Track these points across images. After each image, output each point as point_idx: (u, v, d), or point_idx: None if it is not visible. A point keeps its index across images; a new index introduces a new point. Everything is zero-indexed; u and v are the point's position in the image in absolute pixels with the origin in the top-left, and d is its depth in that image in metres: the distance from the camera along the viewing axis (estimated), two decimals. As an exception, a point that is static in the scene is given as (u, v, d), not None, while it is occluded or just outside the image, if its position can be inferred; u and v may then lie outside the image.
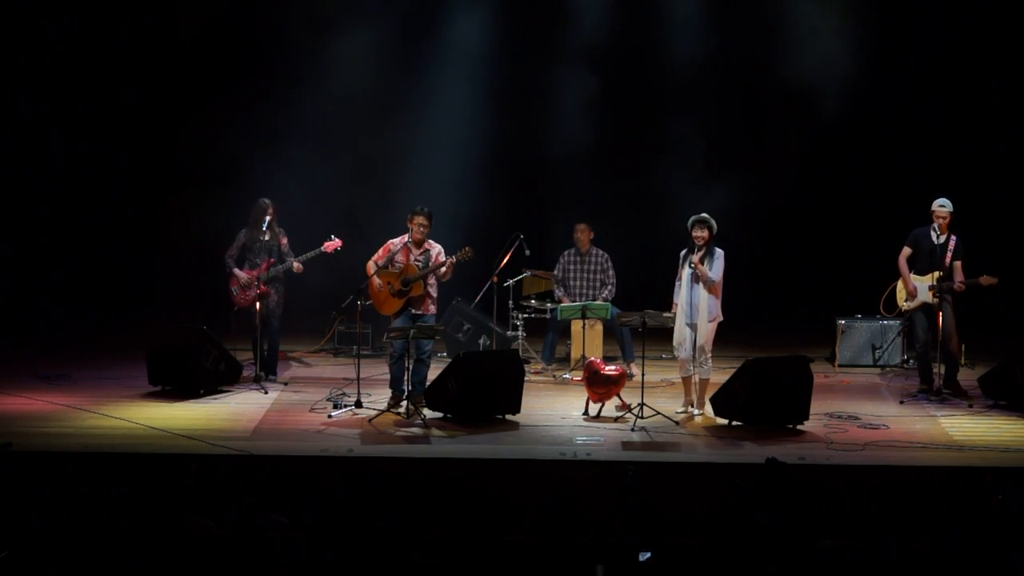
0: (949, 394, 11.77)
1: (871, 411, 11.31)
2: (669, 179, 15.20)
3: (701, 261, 11.02)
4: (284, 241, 12.54)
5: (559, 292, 13.43)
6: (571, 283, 13.43)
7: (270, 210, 12.44)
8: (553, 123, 15.42)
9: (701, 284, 11.02)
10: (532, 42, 15.55)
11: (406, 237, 11.40)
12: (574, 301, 13.13)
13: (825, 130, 15.26)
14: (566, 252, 13.54)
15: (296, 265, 12.42)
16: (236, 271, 12.47)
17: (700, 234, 11.05)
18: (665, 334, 11.46)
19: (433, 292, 11.39)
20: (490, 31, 15.31)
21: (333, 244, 12.42)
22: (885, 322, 13.30)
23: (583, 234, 13.41)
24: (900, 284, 12.17)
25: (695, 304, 11.04)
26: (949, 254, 11.78)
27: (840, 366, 13.51)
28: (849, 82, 15.01)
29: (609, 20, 15.29)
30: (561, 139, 15.32)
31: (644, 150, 15.83)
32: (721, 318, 11.16)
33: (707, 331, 11.06)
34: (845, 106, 15.16)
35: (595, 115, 15.27)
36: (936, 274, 11.77)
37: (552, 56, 15.35)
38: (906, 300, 12.10)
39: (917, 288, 11.95)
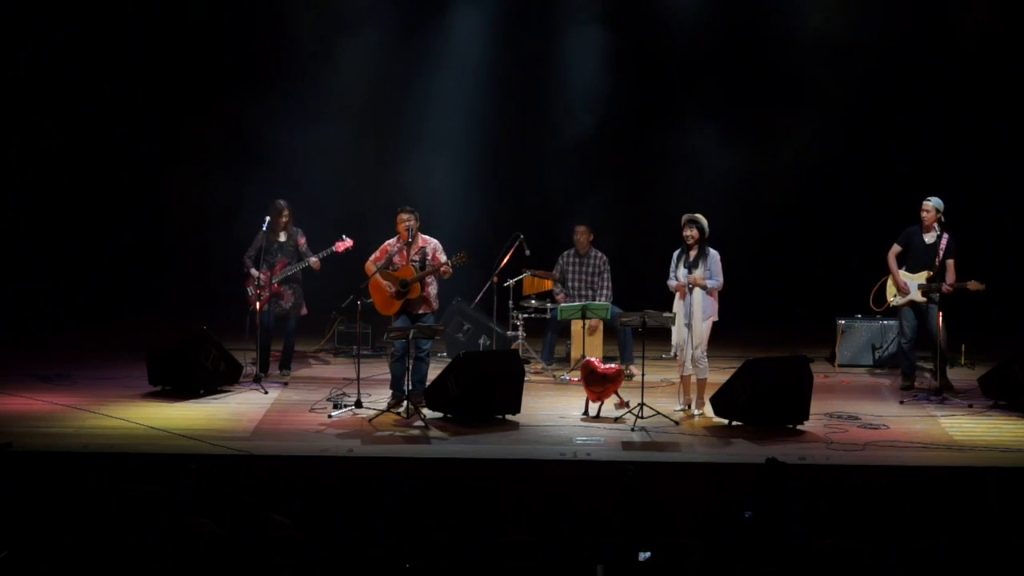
0: (949, 394, 11.80)
1: (871, 411, 11.31)
2: (673, 177, 15.22)
3: (695, 262, 11.03)
4: (302, 241, 12.60)
5: (556, 288, 13.42)
6: (569, 283, 13.43)
7: (286, 211, 12.48)
8: (558, 115, 15.42)
9: (699, 286, 11.03)
10: (539, 19, 15.48)
11: (400, 239, 11.40)
12: (572, 301, 13.12)
13: (826, 129, 15.23)
14: (565, 252, 13.54)
15: (314, 261, 12.44)
16: (253, 271, 12.50)
17: (690, 233, 11.06)
18: (665, 334, 11.46)
19: (432, 291, 11.39)
20: (494, 23, 15.27)
21: (344, 244, 12.44)
22: (885, 322, 13.30)
23: (583, 236, 13.40)
24: (890, 279, 12.25)
25: (691, 305, 11.05)
26: (941, 252, 11.84)
27: (840, 366, 13.51)
28: (856, 79, 15.02)
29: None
30: (566, 133, 15.31)
31: (645, 150, 15.83)
32: (716, 318, 11.16)
33: (703, 331, 11.07)
34: (848, 106, 15.16)
35: (599, 108, 15.25)
36: (927, 273, 11.88)
37: (559, 36, 15.32)
38: (895, 295, 12.17)
39: (908, 285, 12.03)
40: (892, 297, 12.27)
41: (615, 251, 13.68)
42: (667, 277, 11.22)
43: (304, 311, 12.72)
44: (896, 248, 12.22)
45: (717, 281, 11.05)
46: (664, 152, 15.61)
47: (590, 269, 13.38)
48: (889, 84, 15.43)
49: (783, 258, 16.03)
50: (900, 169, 15.41)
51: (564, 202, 15.38)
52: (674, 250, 11.21)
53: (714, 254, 11.08)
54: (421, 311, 11.34)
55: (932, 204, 11.97)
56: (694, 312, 11.04)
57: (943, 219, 11.99)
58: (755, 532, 7.03)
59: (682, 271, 11.08)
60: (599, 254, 13.43)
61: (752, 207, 15.58)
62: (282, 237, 12.47)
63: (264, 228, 12.44)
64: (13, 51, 15.01)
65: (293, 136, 14.87)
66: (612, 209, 15.26)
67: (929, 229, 11.99)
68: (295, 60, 15.20)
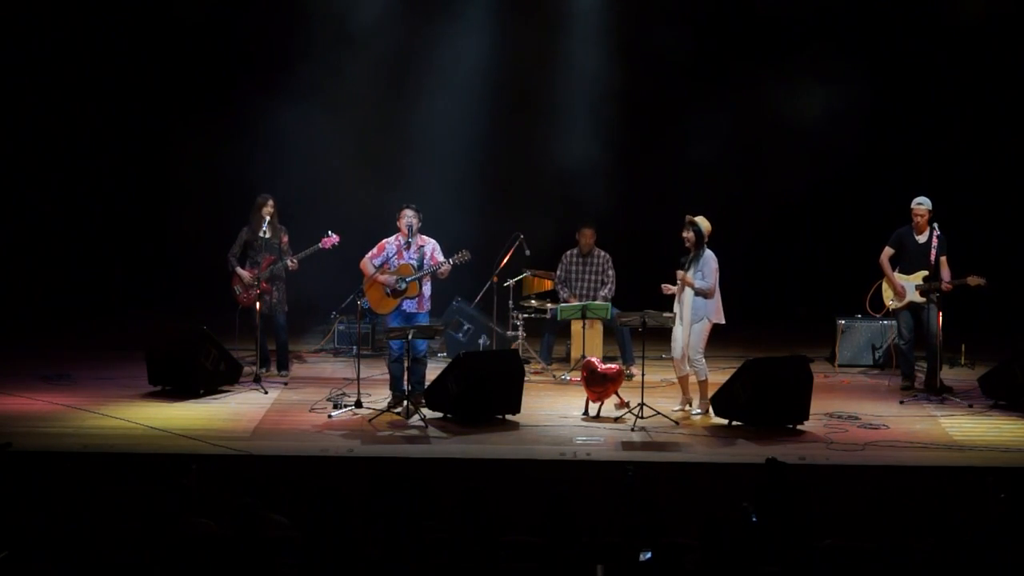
0: (948, 394, 11.80)
1: (871, 411, 11.30)
2: (673, 177, 15.22)
3: (689, 264, 11.06)
4: (285, 239, 12.58)
5: (564, 293, 13.40)
6: (573, 283, 13.42)
7: (268, 204, 12.45)
8: (561, 110, 15.38)
9: (691, 288, 11.06)
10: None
11: (399, 236, 11.41)
12: (576, 301, 13.11)
13: (829, 127, 15.21)
14: (568, 252, 13.52)
15: (292, 263, 12.44)
16: (239, 270, 12.50)
17: (686, 235, 11.12)
18: (665, 334, 11.47)
19: (427, 290, 11.40)
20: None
21: (331, 240, 12.42)
22: (885, 322, 13.28)
23: (589, 238, 13.36)
24: (885, 283, 12.24)
25: (682, 307, 11.07)
26: (933, 251, 11.85)
27: (840, 366, 13.50)
28: (854, 77, 15.01)
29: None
30: (569, 126, 15.28)
31: (647, 151, 15.80)
32: (719, 320, 11.15)
33: (693, 332, 11.08)
34: (851, 103, 15.14)
35: (603, 108, 15.23)
36: (923, 273, 11.93)
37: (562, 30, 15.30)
38: (892, 299, 12.17)
39: (905, 287, 12.03)
40: (890, 301, 12.25)
41: (618, 250, 13.65)
42: (662, 279, 11.30)
43: (285, 308, 12.70)
44: (888, 251, 12.20)
45: (704, 283, 11.04)
46: (662, 153, 15.59)
47: (594, 268, 13.37)
48: (885, 78, 15.41)
49: (784, 258, 16.01)
50: (899, 166, 15.39)
51: (568, 199, 15.31)
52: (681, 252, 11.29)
53: (708, 256, 11.11)
54: (415, 310, 11.34)
55: (925, 207, 11.95)
56: (686, 314, 11.06)
57: (932, 216, 12.00)
58: (755, 532, 7.03)
59: (680, 272, 11.13)
60: (602, 253, 13.40)
61: (751, 207, 15.56)
62: (267, 233, 12.43)
63: (250, 226, 12.45)
64: (12, 45, 14.99)
65: (295, 132, 14.85)
66: (613, 208, 15.24)
67: (923, 230, 11.99)
68: (300, 57, 15.14)
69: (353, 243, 12.43)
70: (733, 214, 14.90)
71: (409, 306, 11.30)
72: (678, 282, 11.11)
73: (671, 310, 11.19)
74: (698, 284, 11.03)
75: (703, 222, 11.13)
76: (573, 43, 15.17)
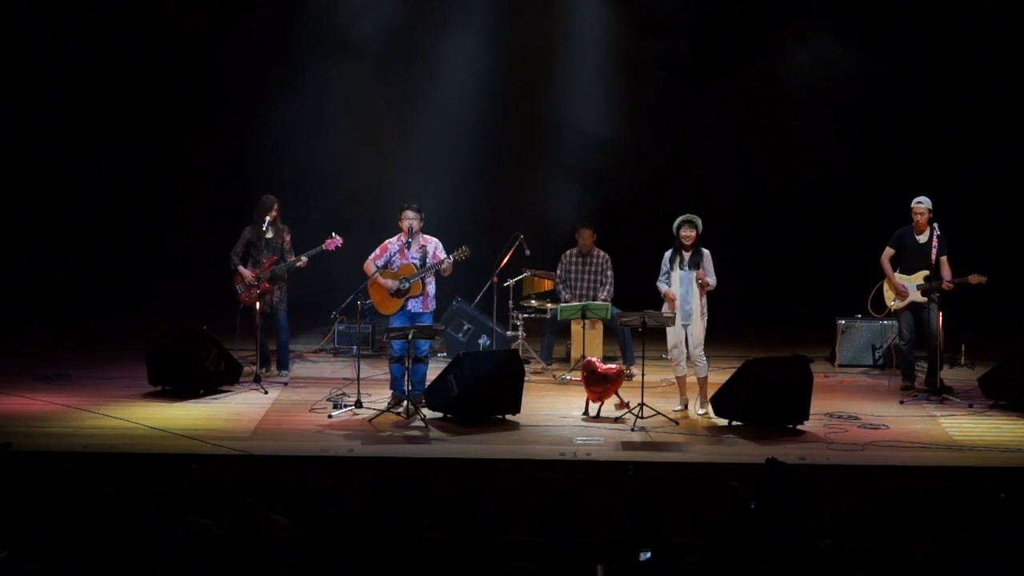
0: (948, 394, 11.80)
1: (871, 411, 11.30)
2: (672, 176, 15.21)
3: (693, 262, 11.08)
4: (287, 238, 12.58)
5: (565, 294, 13.39)
6: (573, 283, 13.41)
7: (275, 207, 12.47)
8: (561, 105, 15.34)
9: (697, 286, 11.05)
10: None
11: (401, 236, 11.42)
12: (576, 300, 13.11)
13: (829, 126, 15.21)
14: (568, 252, 13.51)
15: (302, 260, 12.45)
16: (241, 268, 12.50)
17: (689, 234, 11.12)
18: (665, 334, 11.45)
19: (431, 290, 11.41)
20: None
21: (334, 242, 12.42)
22: (885, 322, 13.28)
23: (585, 239, 13.36)
24: (886, 283, 12.25)
25: (690, 306, 11.08)
26: (934, 251, 11.85)
27: (840, 366, 13.50)
28: (858, 77, 15.01)
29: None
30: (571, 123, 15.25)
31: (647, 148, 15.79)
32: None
33: (702, 330, 11.13)
34: (849, 103, 15.13)
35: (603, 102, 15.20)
36: (924, 273, 11.93)
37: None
38: (894, 300, 12.17)
39: (907, 287, 12.03)
40: (892, 302, 12.25)
41: (625, 237, 13.64)
42: (656, 279, 11.30)
43: (285, 307, 12.70)
44: (889, 251, 12.20)
45: (714, 279, 11.13)
46: (662, 146, 15.58)
47: (593, 268, 13.36)
48: (883, 78, 15.41)
49: (784, 258, 16.00)
50: (899, 165, 15.39)
51: (567, 197, 15.30)
52: (666, 251, 11.27)
53: (707, 253, 11.18)
54: (420, 310, 11.36)
55: (925, 206, 11.97)
56: (694, 313, 11.08)
57: (932, 216, 12.01)
58: (755, 531, 7.03)
59: (679, 272, 11.11)
60: (601, 252, 13.40)
61: (751, 207, 15.55)
62: (269, 234, 12.44)
63: (254, 225, 12.46)
64: (16, 45, 14.99)
65: (296, 132, 14.83)
66: (614, 197, 15.23)
67: (923, 229, 12.00)
68: (299, 55, 15.13)
69: (355, 242, 12.44)
70: (733, 214, 14.93)
71: (414, 306, 11.34)
72: (682, 270, 11.09)
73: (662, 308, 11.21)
74: (713, 282, 11.10)
75: (699, 219, 11.18)
76: (583, 15, 15.14)
